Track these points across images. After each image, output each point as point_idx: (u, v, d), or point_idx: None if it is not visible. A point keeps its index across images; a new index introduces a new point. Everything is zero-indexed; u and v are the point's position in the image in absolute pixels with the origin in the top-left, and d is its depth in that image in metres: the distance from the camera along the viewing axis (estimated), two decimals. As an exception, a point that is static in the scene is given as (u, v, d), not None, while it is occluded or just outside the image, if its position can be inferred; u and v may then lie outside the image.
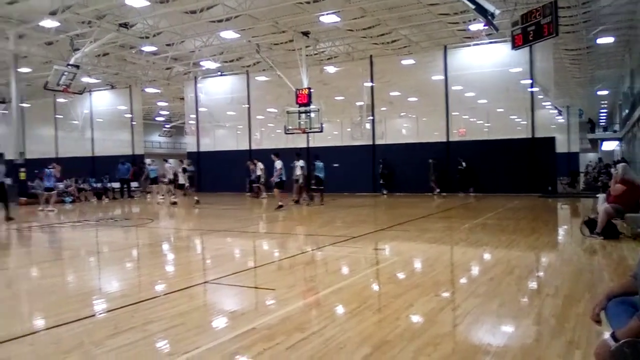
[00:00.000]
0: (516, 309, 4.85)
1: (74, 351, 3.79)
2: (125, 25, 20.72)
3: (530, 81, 21.85)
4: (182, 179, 19.20)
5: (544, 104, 23.78)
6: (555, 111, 30.50)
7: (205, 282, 6.32)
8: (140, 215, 15.50)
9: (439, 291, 5.54)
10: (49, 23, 20.28)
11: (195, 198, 19.79)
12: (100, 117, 34.65)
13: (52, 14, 19.52)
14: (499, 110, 23.81)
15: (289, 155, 19.05)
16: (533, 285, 6.02)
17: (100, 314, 4.98)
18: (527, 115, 22.12)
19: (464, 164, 22.55)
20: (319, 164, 18.51)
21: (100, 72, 30.17)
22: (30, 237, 11.81)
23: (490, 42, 22.62)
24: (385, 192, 23.91)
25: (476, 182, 22.22)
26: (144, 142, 35.81)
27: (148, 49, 25.19)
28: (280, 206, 15.97)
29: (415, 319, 4.60)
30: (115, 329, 4.30)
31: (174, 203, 19.17)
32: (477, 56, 23.07)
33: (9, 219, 14.18)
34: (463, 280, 6.37)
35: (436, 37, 24.07)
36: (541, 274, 6.78)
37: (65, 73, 21.72)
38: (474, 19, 19.61)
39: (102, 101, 34.69)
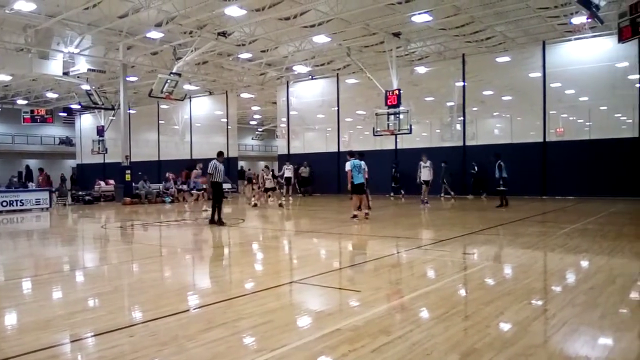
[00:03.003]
0: (618, 320, 4.53)
1: (169, 344, 4.03)
2: (223, 34, 21.74)
3: (638, 76, 20.23)
4: (269, 184, 19.78)
5: (653, 100, 21.95)
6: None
7: (291, 282, 6.47)
8: (233, 216, 16.13)
9: (533, 299, 5.30)
10: (155, 34, 21.75)
11: (282, 200, 20.26)
12: (198, 122, 36.57)
13: (158, 25, 20.91)
14: (602, 108, 22.27)
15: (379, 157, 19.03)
16: (637, 296, 5.59)
17: (194, 309, 5.26)
18: (634, 113, 20.48)
19: (476, 168, 22.48)
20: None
21: (199, 79, 31.84)
22: (132, 235, 12.67)
23: (594, 36, 21.22)
24: (392, 194, 24.10)
25: (487, 186, 21.84)
26: (237, 145, 37.22)
27: (244, 55, 26.23)
28: (355, 216, 13.75)
29: (507, 327, 4.43)
30: (208, 324, 4.52)
31: (255, 205, 19.69)
32: (578, 51, 21.74)
33: (220, 222, 13.07)
34: (559, 289, 6.03)
35: (534, 32, 22.99)
36: (648, 284, 6.27)
37: (168, 81, 23.17)
38: (577, 12, 18.49)
39: (201, 107, 36.60)
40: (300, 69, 28.22)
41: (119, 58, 24.78)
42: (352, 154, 14.15)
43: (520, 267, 7.25)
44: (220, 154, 13.66)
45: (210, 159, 13.36)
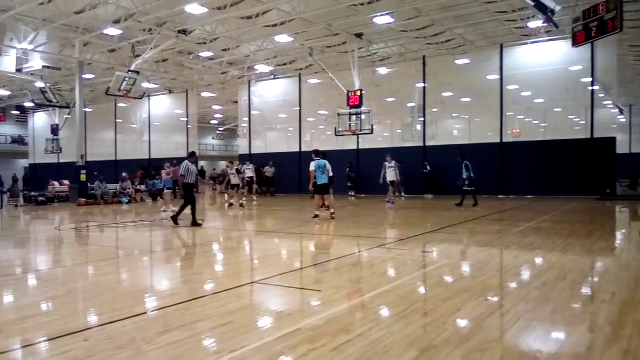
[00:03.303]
0: (569, 315, 4.68)
1: (126, 347, 3.94)
2: (184, 32, 21.41)
3: (590, 79, 20.99)
4: (234, 179, 19.55)
5: (604, 103, 22.85)
6: (617, 110, 29.17)
7: (252, 283, 6.43)
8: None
9: (489, 295, 5.42)
10: (113, 31, 21.24)
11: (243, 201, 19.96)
12: (157, 121, 35.95)
13: (116, 22, 20.43)
14: (556, 110, 23.04)
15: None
16: (588, 291, 5.79)
17: (152, 311, 5.16)
18: (587, 115, 21.27)
19: (428, 167, 23.12)
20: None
21: (159, 78, 31.28)
22: (87, 237, 12.35)
23: (550, 40, 21.90)
24: (354, 193, 24.53)
25: (437, 186, 22.72)
26: (198, 145, 36.80)
27: (205, 54, 25.93)
28: (316, 215, 13.69)
29: (464, 323, 4.52)
30: (165, 327, 4.44)
31: (231, 205, 19.49)
32: (535, 54, 22.42)
33: (195, 224, 12.63)
34: (514, 285, 6.20)
35: (492, 35, 23.55)
36: (597, 279, 6.52)
37: (126, 79, 22.68)
38: (533, 16, 19.06)
39: (160, 105, 36.00)
40: (262, 68, 28.08)
41: (75, 55, 24.10)
42: (317, 154, 14.01)
43: (478, 264, 7.41)
44: (192, 154, 13.39)
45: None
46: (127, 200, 23.65)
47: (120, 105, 36.57)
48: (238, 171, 20.50)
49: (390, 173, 18.87)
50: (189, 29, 21.55)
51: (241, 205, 19.23)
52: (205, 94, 36.25)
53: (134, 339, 4.13)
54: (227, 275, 7.26)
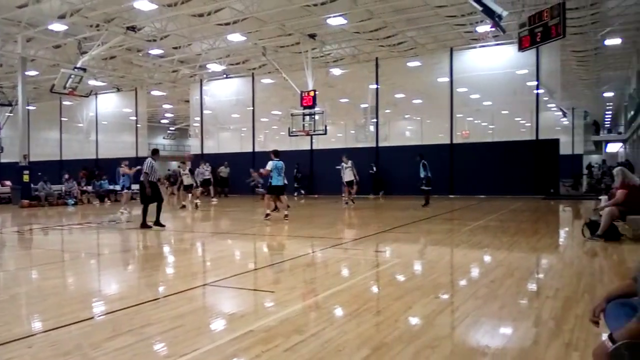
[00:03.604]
0: (516, 311, 4.83)
1: (72, 353, 3.80)
2: (133, 29, 20.86)
3: (535, 83, 21.80)
4: (187, 180, 19.17)
5: (549, 105, 23.76)
6: (560, 113, 30.44)
7: (204, 285, 6.33)
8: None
9: (440, 293, 5.53)
10: (58, 26, 20.48)
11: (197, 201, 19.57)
12: (105, 119, 34.91)
13: (61, 17, 19.71)
14: (503, 112, 23.80)
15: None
16: (533, 287, 6.00)
17: (99, 316, 5.00)
18: (532, 117, 22.08)
19: (374, 168, 23.59)
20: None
21: (106, 75, 30.40)
22: (31, 240, 11.86)
23: (497, 44, 22.61)
24: (303, 193, 24.99)
25: (384, 186, 23.29)
26: (148, 145, 35.96)
27: (155, 52, 25.38)
28: (268, 215, 13.66)
29: (415, 320, 4.59)
30: (113, 332, 4.31)
31: (184, 206, 19.03)
32: (483, 58, 23.08)
33: (158, 224, 12.19)
34: (463, 282, 6.36)
35: (442, 39, 24.08)
36: (541, 276, 6.76)
37: (72, 76, 21.88)
38: (481, 21, 19.59)
39: (108, 104, 34.96)
40: (214, 67, 27.74)
41: (18, 51, 23.05)
42: (277, 154, 13.88)
43: (429, 263, 7.55)
44: (155, 151, 12.95)
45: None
46: (72, 202, 22.84)
47: (65, 103, 35.30)
48: (191, 171, 20.15)
49: (347, 173, 18.88)
50: (138, 25, 21.02)
51: (196, 206, 18.89)
52: (155, 93, 35.48)
53: (80, 344, 3.99)
54: (179, 277, 7.12)
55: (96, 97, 33.97)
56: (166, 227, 12.25)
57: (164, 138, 58.13)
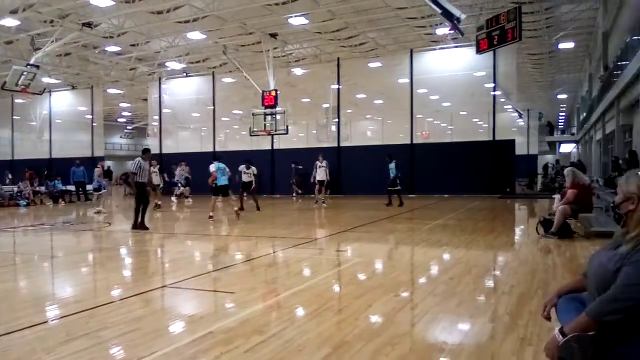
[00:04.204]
0: (473, 307, 4.93)
1: (25, 359, 3.67)
2: (89, 25, 20.31)
3: (493, 85, 22.32)
4: (156, 179, 18.78)
5: (506, 107, 24.37)
6: (517, 114, 31.31)
7: (163, 287, 6.22)
8: (98, 219, 15.17)
9: (400, 291, 5.60)
10: (10, 22, 19.76)
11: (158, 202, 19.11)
12: (59, 118, 33.81)
13: (13, 12, 19.01)
14: (462, 113, 24.28)
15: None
16: (490, 284, 6.15)
17: (53, 320, 4.84)
18: (489, 119, 22.59)
19: (299, 167, 23.62)
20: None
21: (61, 73, 29.51)
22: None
23: (456, 47, 23.03)
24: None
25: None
26: (104, 144, 35.12)
27: (112, 49, 24.81)
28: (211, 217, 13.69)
29: (375, 319, 4.63)
30: (68, 336, 4.18)
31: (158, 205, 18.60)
32: (442, 60, 23.43)
33: (143, 226, 11.94)
34: (423, 280, 6.45)
35: (403, 40, 24.39)
36: (498, 273, 6.93)
37: (25, 73, 21.15)
38: (441, 24, 19.93)
39: (62, 102, 33.87)
40: (173, 65, 27.31)
41: (-34, 46, 22.18)
42: (218, 158, 14.61)
43: (389, 261, 7.64)
44: (147, 151, 12.57)
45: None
46: (25, 203, 22.04)
47: (18, 101, 34.01)
48: (161, 170, 19.75)
49: (320, 173, 18.81)
50: (95, 22, 20.49)
51: (157, 206, 18.45)
52: (112, 91, 34.67)
53: (34, 349, 3.87)
54: (136, 279, 6.97)
55: (50, 95, 32.90)
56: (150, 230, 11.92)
57: (121, 137, 56.83)
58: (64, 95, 33.80)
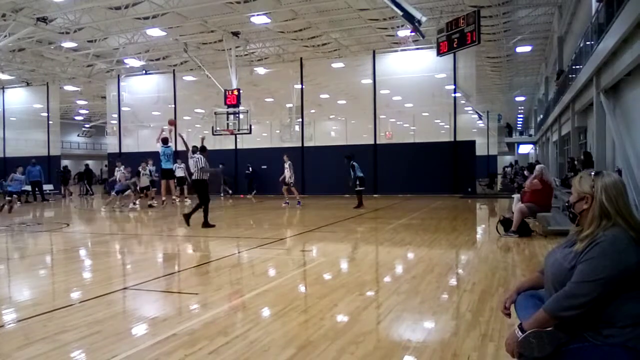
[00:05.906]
0: (436, 305, 5.02)
1: (-23, 365, 3.54)
2: (43, 20, 19.67)
3: (453, 87, 22.72)
4: (145, 181, 18.44)
5: (466, 109, 24.85)
6: (476, 116, 31.98)
7: (125, 289, 6.09)
8: (55, 220, 14.74)
9: (364, 290, 5.64)
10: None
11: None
12: (13, 115, 32.57)
13: (-39, 5, 18.24)
14: (424, 114, 24.62)
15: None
16: (452, 282, 6.26)
17: (9, 324, 4.68)
18: (450, 120, 22.99)
19: (250, 168, 24.08)
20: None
21: (14, 69, 28.53)
22: None
23: (417, 49, 23.32)
24: (228, 193, 24.91)
25: (258, 186, 23.84)
26: (61, 143, 34.06)
27: (68, 45, 24.11)
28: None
29: (340, 318, 4.65)
30: (25, 340, 4.05)
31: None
32: (404, 61, 23.69)
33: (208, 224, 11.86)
34: (387, 279, 6.52)
35: (365, 41, 24.58)
36: (460, 271, 7.07)
37: (-25, 68, 20.31)
38: (402, 25, 20.18)
39: (16, 99, 32.60)
40: (132, 62, 26.78)
41: None
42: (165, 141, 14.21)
43: (353, 261, 7.69)
44: (203, 148, 12.29)
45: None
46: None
47: (-32, 97, 32.67)
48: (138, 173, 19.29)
49: (285, 172, 18.57)
50: (50, 16, 19.86)
51: (150, 206, 17.90)
52: (69, 88, 33.70)
53: (-14, 356, 3.72)
54: (96, 281, 6.79)
55: (3, 91, 31.69)
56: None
57: (78, 136, 55.18)
58: (18, 92, 32.57)
